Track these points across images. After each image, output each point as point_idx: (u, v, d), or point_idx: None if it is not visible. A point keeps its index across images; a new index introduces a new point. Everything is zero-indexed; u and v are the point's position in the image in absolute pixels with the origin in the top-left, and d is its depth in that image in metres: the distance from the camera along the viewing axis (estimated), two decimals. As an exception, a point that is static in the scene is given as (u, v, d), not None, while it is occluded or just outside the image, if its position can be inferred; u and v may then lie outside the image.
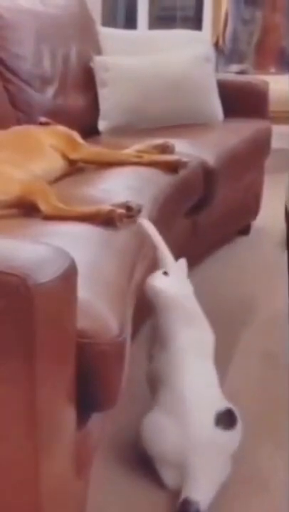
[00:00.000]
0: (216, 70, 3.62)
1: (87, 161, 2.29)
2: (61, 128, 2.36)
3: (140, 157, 2.32)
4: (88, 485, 1.42)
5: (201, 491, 1.55)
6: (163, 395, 1.64)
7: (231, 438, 1.61)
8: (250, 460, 1.71)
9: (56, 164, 2.19)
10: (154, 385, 1.68)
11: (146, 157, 2.32)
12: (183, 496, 1.54)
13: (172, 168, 2.30)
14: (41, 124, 2.43)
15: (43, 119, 2.46)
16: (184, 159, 2.33)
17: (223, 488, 1.60)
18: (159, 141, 2.43)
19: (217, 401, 1.63)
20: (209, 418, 1.57)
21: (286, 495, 1.62)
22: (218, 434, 1.57)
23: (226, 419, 1.59)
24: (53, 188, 1.90)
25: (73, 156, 2.24)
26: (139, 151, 2.37)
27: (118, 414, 1.65)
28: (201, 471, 1.56)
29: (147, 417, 1.64)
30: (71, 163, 2.25)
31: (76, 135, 2.35)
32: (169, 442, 1.58)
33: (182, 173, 2.35)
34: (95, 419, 1.31)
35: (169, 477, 1.61)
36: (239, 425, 1.62)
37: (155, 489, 1.62)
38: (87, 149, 2.31)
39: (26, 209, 1.80)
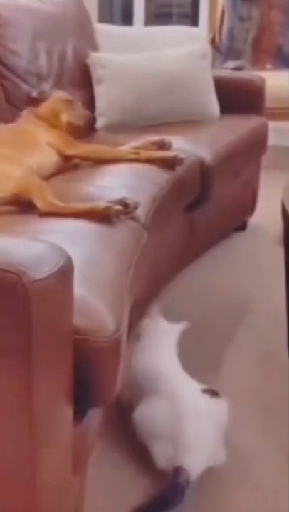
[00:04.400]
0: (213, 66, 3.61)
1: (83, 158, 2.29)
2: (58, 99, 2.45)
3: (137, 154, 2.31)
4: (85, 481, 1.42)
5: (193, 459, 1.59)
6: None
7: (217, 407, 1.72)
8: (248, 459, 1.72)
9: (51, 159, 2.19)
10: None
11: (143, 154, 2.31)
12: (175, 465, 1.58)
13: (169, 164, 2.30)
14: (33, 98, 2.46)
15: (34, 94, 2.50)
16: (181, 155, 2.32)
17: (220, 486, 1.61)
18: (156, 138, 2.43)
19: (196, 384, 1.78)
20: (195, 390, 1.74)
21: (285, 494, 1.62)
22: (205, 401, 1.72)
23: (209, 392, 1.77)
24: (50, 185, 1.91)
25: (69, 152, 2.25)
26: (135, 148, 2.37)
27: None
28: (193, 439, 1.61)
29: (137, 408, 1.71)
30: (67, 159, 2.25)
31: (75, 101, 2.47)
32: (161, 415, 1.65)
33: (179, 170, 2.35)
34: (92, 415, 1.31)
35: (161, 454, 1.63)
36: (224, 400, 1.74)
37: (153, 485, 1.63)
38: (83, 146, 2.31)
39: (23, 206, 1.80)
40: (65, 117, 2.41)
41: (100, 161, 2.28)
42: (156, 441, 1.65)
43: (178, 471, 1.57)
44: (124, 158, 2.30)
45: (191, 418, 1.64)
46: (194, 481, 1.58)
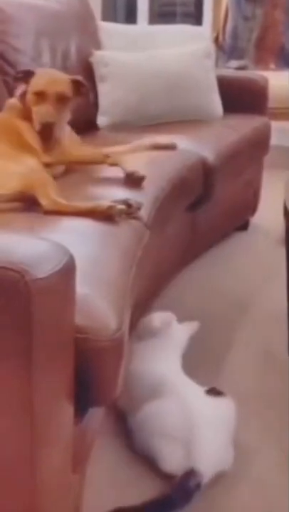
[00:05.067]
0: (216, 66, 3.61)
1: (57, 164, 2.13)
2: (31, 90, 2.14)
3: (107, 157, 2.14)
4: (84, 479, 1.42)
5: (205, 463, 1.58)
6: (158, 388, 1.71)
7: (224, 406, 1.72)
8: (249, 458, 1.72)
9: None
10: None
11: (111, 159, 2.13)
12: (187, 468, 1.57)
13: (128, 180, 2.08)
14: (17, 78, 2.22)
15: (19, 74, 2.22)
16: (140, 174, 2.07)
17: (220, 485, 1.61)
18: (163, 140, 2.38)
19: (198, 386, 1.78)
20: (200, 392, 1.74)
21: (285, 493, 1.62)
22: (212, 401, 1.71)
23: (213, 392, 1.76)
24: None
25: (44, 159, 2.06)
26: (135, 148, 2.34)
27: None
28: (205, 442, 1.60)
29: (145, 407, 1.69)
30: (45, 166, 2.06)
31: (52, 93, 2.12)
32: (172, 417, 1.64)
33: (182, 170, 2.35)
34: (93, 414, 1.31)
35: (171, 456, 1.63)
36: (229, 399, 1.75)
37: (153, 484, 1.63)
38: (58, 151, 2.12)
39: (27, 203, 1.79)
40: (33, 117, 2.13)
41: (74, 165, 2.16)
42: (167, 442, 1.64)
43: (190, 474, 1.56)
44: (96, 161, 2.16)
45: (202, 421, 1.63)
46: (204, 485, 1.57)
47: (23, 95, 2.19)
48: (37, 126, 2.10)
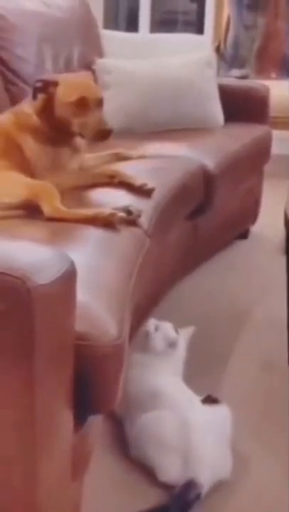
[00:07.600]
0: (217, 74, 3.62)
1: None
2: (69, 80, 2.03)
3: (112, 177, 2.10)
4: (83, 487, 1.42)
5: (204, 473, 1.58)
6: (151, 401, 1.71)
7: (220, 415, 1.72)
8: (248, 465, 1.73)
9: None
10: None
11: (118, 178, 2.10)
12: (186, 478, 1.57)
13: (137, 191, 2.06)
14: (37, 88, 2.03)
15: (38, 84, 2.02)
16: (150, 186, 2.07)
17: (218, 493, 1.61)
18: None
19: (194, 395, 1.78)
20: (196, 401, 1.74)
21: (284, 501, 1.62)
22: (208, 409, 1.72)
23: (209, 400, 1.77)
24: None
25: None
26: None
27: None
28: (203, 453, 1.61)
29: (143, 417, 1.69)
30: None
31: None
32: (169, 428, 1.64)
33: (183, 177, 2.35)
34: (92, 421, 1.31)
35: (170, 467, 1.62)
36: (224, 406, 1.75)
37: (151, 492, 1.63)
38: (53, 177, 1.97)
39: (31, 210, 1.80)
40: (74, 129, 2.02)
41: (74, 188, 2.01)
42: (165, 452, 1.64)
43: (189, 485, 1.56)
44: (98, 182, 2.09)
45: (200, 430, 1.63)
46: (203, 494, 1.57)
47: (43, 109, 2.02)
48: (91, 134, 1.97)
